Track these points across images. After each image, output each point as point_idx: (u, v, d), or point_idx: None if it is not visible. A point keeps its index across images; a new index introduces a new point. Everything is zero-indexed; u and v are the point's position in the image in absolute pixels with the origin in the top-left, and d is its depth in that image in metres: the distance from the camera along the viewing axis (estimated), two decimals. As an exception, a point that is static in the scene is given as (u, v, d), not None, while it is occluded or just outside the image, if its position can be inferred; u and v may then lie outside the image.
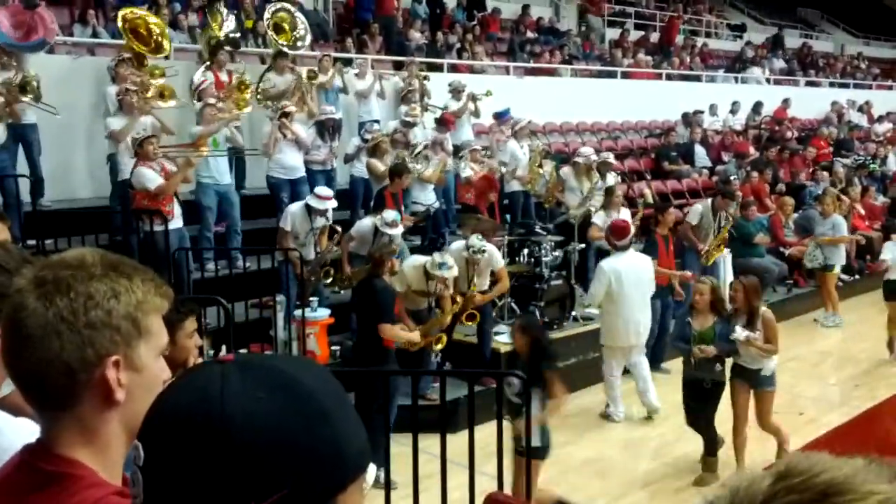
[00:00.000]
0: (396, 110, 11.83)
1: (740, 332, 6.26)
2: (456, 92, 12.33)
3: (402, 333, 6.46)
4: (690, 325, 6.57)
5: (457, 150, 10.99)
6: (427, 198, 9.88)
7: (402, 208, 8.89)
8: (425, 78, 12.22)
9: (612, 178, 10.78)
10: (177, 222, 7.78)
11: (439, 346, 7.07)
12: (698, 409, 6.54)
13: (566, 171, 10.51)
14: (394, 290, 6.45)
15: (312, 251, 8.05)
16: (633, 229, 7.88)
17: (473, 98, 12.19)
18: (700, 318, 6.51)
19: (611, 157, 11.16)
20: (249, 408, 0.92)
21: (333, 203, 8.11)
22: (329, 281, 8.16)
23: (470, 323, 7.57)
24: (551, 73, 16.11)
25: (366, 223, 8.11)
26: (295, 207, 8.09)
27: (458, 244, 7.88)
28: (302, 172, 9.33)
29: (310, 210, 7.96)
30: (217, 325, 6.72)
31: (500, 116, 12.04)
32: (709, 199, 10.63)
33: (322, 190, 8.16)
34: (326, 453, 0.93)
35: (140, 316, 1.29)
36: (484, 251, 7.56)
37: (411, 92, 11.69)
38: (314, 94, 10.47)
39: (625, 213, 9.31)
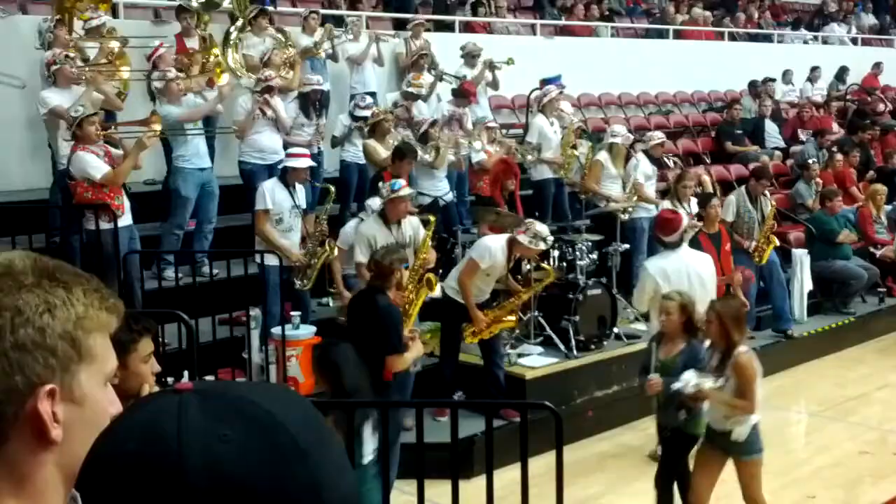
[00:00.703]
0: (401, 79, 11.85)
1: (689, 380, 5.65)
2: (470, 57, 12.31)
3: (412, 355, 6.46)
4: (654, 353, 6.19)
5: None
6: (436, 187, 9.87)
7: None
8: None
9: (667, 164, 10.78)
10: (126, 219, 7.79)
11: (436, 291, 7.39)
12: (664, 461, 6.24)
13: (604, 154, 10.49)
14: (398, 311, 6.44)
15: (297, 237, 8.09)
16: (685, 221, 7.80)
17: (492, 66, 12.18)
18: (668, 345, 6.11)
19: (657, 138, 11.05)
20: (212, 448, 0.92)
21: (311, 162, 8.31)
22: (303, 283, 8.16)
23: (472, 340, 7.78)
24: (587, 32, 16.09)
25: (350, 228, 8.19)
26: (270, 182, 8.22)
27: (495, 239, 7.87)
28: (281, 156, 9.35)
29: (286, 179, 8.05)
30: (178, 345, 6.73)
31: (550, 83, 11.96)
32: (742, 186, 10.66)
33: (296, 148, 8.45)
34: (304, 501, 0.94)
35: (81, 335, 1.29)
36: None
37: (423, 57, 11.68)
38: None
39: (694, 205, 9.35)
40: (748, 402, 5.63)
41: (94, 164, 7.54)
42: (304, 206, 8.17)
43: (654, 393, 6.02)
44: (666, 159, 11.26)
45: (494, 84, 12.37)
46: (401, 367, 6.29)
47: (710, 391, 5.65)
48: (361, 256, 7.48)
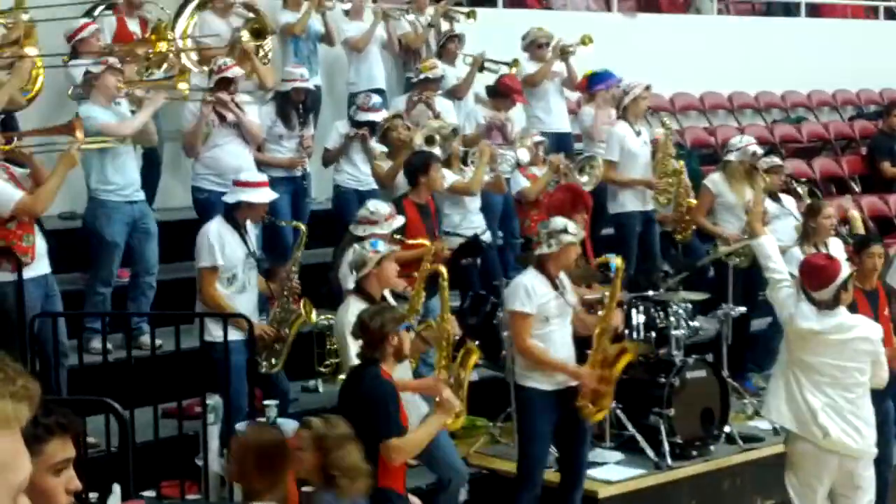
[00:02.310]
0: (402, 72, 12.00)
1: None
2: (535, 48, 12.33)
3: (426, 431, 6.47)
4: None
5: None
6: (468, 222, 9.90)
7: (437, 228, 9.01)
8: (469, 14, 12.26)
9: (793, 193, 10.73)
10: (40, 267, 7.78)
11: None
12: None
13: (716, 177, 10.47)
14: (390, 385, 6.38)
15: (254, 298, 8.10)
16: (844, 273, 7.64)
17: (563, 52, 12.21)
18: None
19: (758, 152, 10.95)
20: None
21: (272, 194, 8.24)
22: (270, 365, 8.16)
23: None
24: (683, 8, 16.16)
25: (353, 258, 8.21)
26: (215, 225, 8.13)
27: (525, 274, 7.90)
28: (254, 180, 9.42)
29: (235, 220, 8.03)
30: (106, 446, 6.72)
31: (598, 83, 11.99)
32: None
33: (250, 174, 8.47)
34: None
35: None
36: None
37: (454, 40, 11.80)
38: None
39: (837, 249, 9.18)
40: None
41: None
42: (258, 252, 8.18)
43: None
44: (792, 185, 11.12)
45: (571, 81, 12.38)
46: (411, 450, 6.30)
47: None
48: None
